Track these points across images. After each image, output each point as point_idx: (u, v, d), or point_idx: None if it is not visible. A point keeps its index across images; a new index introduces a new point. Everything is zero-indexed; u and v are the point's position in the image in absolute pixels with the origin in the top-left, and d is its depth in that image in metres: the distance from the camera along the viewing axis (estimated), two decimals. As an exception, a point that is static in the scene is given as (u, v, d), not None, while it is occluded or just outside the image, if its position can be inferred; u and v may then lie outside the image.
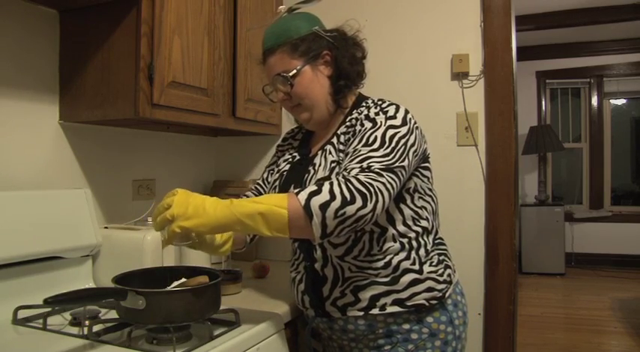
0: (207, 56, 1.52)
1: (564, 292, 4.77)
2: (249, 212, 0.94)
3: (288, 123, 2.03)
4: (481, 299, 1.78)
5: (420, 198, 1.17)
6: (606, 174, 5.92)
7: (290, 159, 1.29)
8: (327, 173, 1.13)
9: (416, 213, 1.15)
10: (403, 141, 1.06)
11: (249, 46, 1.75)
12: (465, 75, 1.82)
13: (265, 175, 1.39)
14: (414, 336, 1.12)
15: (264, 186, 1.38)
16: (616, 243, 5.70)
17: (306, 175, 1.17)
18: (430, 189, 1.21)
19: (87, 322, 1.03)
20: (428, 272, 1.13)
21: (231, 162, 2.16)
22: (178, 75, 1.39)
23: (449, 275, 1.17)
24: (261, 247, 2.02)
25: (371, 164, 1.00)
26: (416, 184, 1.16)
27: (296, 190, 0.96)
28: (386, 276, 1.11)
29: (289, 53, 1.16)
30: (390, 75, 1.90)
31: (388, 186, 0.99)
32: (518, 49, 1.91)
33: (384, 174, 0.99)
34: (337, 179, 0.97)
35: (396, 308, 1.10)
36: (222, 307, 1.08)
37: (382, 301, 1.11)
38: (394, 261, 1.11)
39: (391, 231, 1.12)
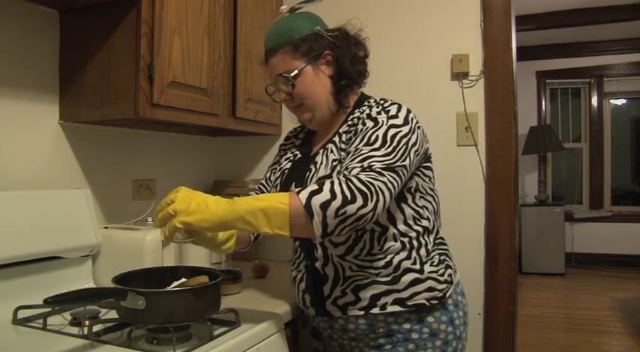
0: (207, 56, 1.52)
1: (564, 292, 4.77)
2: (250, 209, 0.94)
3: (288, 123, 2.04)
4: (481, 299, 1.78)
5: (421, 197, 1.17)
6: (606, 174, 5.92)
7: (292, 158, 1.30)
8: (328, 171, 1.13)
9: (417, 212, 1.15)
10: (405, 140, 1.06)
11: (249, 46, 1.75)
12: (465, 75, 1.82)
13: (268, 174, 1.40)
14: (415, 336, 1.12)
15: (266, 185, 1.38)
16: (616, 243, 5.70)
17: (308, 173, 1.18)
18: (432, 189, 1.21)
19: (87, 322, 1.03)
20: (429, 272, 1.13)
21: (231, 162, 2.16)
22: (178, 75, 1.39)
23: (450, 275, 1.17)
24: (261, 247, 2.02)
25: (372, 163, 1.00)
26: (417, 183, 1.16)
27: (297, 189, 0.97)
28: (387, 276, 1.11)
29: (291, 53, 1.17)
30: (390, 75, 1.90)
31: (389, 185, 0.99)
32: (518, 49, 1.91)
33: (385, 173, 0.99)
34: (338, 178, 0.97)
35: (396, 308, 1.10)
36: (222, 307, 1.08)
37: (383, 300, 1.11)
38: (395, 261, 1.11)
39: (392, 230, 1.12)
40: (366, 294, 1.11)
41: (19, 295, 1.18)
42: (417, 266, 1.12)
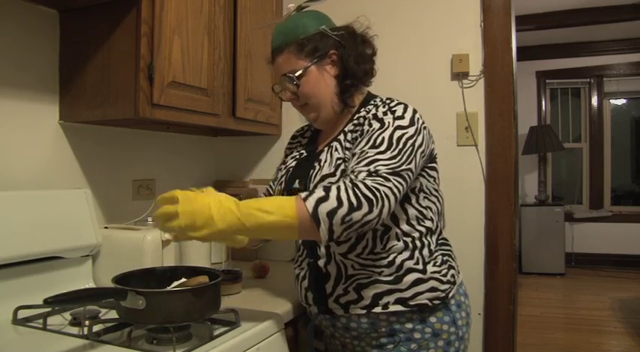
0: (207, 56, 1.52)
1: (564, 292, 4.77)
2: (258, 223, 0.93)
3: (288, 123, 2.04)
4: (481, 299, 1.78)
5: (425, 198, 1.17)
6: (606, 174, 5.92)
7: (297, 156, 1.31)
8: (332, 170, 1.13)
9: (420, 212, 1.15)
10: (410, 142, 1.07)
11: (249, 46, 1.75)
12: (465, 75, 1.82)
13: (276, 175, 1.40)
14: (417, 336, 1.12)
15: (273, 185, 1.39)
16: (616, 243, 5.69)
17: (312, 171, 1.18)
18: (436, 190, 1.21)
19: (87, 322, 1.03)
20: (431, 272, 1.13)
21: (231, 162, 2.16)
22: (178, 75, 1.39)
23: (453, 275, 1.17)
24: (262, 247, 2.01)
25: (378, 167, 1.01)
26: (421, 184, 1.16)
27: (304, 194, 0.96)
28: (389, 275, 1.11)
29: (296, 53, 1.17)
30: (391, 75, 1.90)
31: (394, 190, 0.99)
32: (518, 49, 1.91)
33: (390, 178, 1.00)
34: (344, 183, 0.97)
35: (398, 308, 1.11)
36: (222, 307, 1.08)
37: (385, 300, 1.11)
38: (397, 260, 1.12)
39: (395, 229, 1.12)
40: (369, 293, 1.11)
41: (19, 295, 1.18)
42: (420, 266, 1.12)
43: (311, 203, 0.94)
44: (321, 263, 1.16)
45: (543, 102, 6.03)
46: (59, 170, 1.43)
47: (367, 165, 1.02)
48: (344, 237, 0.97)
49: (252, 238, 1.15)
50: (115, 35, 1.31)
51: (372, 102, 1.19)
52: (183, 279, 1.11)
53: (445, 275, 1.14)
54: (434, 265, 1.14)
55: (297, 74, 1.17)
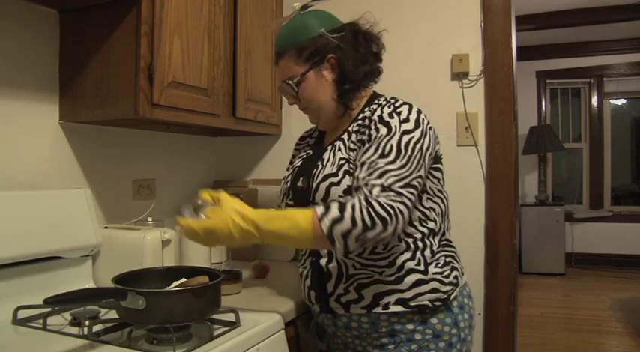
0: (207, 56, 1.52)
1: (564, 292, 4.77)
2: (275, 238, 1.00)
3: (288, 123, 2.04)
4: (481, 299, 1.78)
5: (428, 199, 1.16)
6: (606, 174, 5.92)
7: (304, 156, 1.32)
8: (334, 169, 1.14)
9: (423, 214, 1.15)
10: (419, 146, 1.07)
11: (249, 46, 1.75)
12: (465, 75, 1.82)
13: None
14: (418, 336, 1.12)
15: (282, 184, 1.39)
16: (616, 243, 5.69)
17: (315, 170, 1.18)
18: (440, 191, 1.19)
19: (87, 322, 1.03)
20: (433, 273, 1.12)
21: (231, 162, 2.16)
22: (178, 75, 1.39)
23: (455, 277, 1.16)
24: (262, 247, 2.02)
25: (390, 180, 1.01)
26: (425, 185, 1.15)
27: (319, 211, 0.98)
28: (390, 275, 1.11)
29: (294, 58, 1.18)
30: (390, 75, 1.87)
31: (408, 202, 1.01)
32: (518, 49, 1.91)
33: (403, 191, 1.01)
34: (360, 202, 0.98)
35: (399, 308, 1.10)
36: (222, 307, 1.08)
37: (386, 300, 1.11)
38: (399, 261, 1.11)
39: None
40: (369, 293, 1.12)
41: (19, 295, 1.18)
42: (422, 267, 1.12)
43: (326, 224, 0.97)
44: (322, 262, 1.16)
45: (543, 102, 6.03)
46: (59, 170, 1.43)
47: (379, 177, 1.02)
48: (358, 250, 1.04)
49: None
50: (115, 35, 1.31)
51: (377, 101, 1.19)
52: (183, 279, 1.11)
53: (447, 277, 1.14)
54: (436, 266, 1.13)
55: (295, 81, 1.18)
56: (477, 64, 1.81)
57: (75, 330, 1.04)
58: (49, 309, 1.10)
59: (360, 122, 1.17)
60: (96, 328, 1.00)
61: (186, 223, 1.01)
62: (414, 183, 1.04)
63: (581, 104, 6.07)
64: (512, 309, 1.75)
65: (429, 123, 1.13)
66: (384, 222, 0.97)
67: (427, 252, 1.14)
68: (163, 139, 1.84)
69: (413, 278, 1.11)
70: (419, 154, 1.06)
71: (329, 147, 1.21)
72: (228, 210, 1.00)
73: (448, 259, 1.17)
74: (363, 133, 1.14)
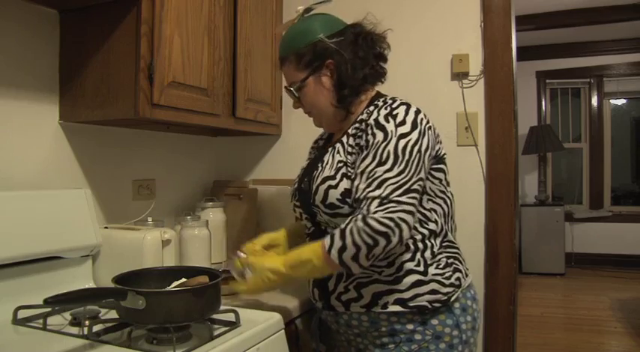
0: (207, 56, 1.52)
1: (564, 292, 4.77)
2: (307, 277, 1.15)
3: (288, 123, 2.04)
4: (481, 299, 1.78)
5: (429, 200, 1.15)
6: (606, 174, 5.92)
7: (311, 158, 1.34)
8: (332, 172, 1.14)
9: (424, 215, 1.14)
10: (416, 148, 1.07)
11: (249, 46, 1.75)
12: (465, 75, 1.82)
13: None
14: (418, 337, 1.11)
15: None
16: (616, 243, 5.69)
17: (315, 172, 1.19)
18: (443, 192, 1.18)
19: (87, 322, 1.03)
20: (433, 275, 1.12)
21: (231, 162, 2.16)
22: (178, 75, 1.39)
23: (458, 278, 1.15)
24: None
25: (388, 189, 1.02)
26: (425, 186, 1.14)
27: (327, 244, 1.04)
28: (389, 275, 1.11)
29: (295, 65, 1.21)
30: (390, 75, 1.87)
31: (409, 207, 1.02)
32: (518, 49, 1.91)
33: (402, 199, 1.01)
34: (357, 225, 1.00)
35: (397, 308, 1.10)
36: (222, 307, 1.08)
37: (384, 299, 1.11)
38: (397, 261, 1.11)
39: None
40: (368, 292, 1.12)
41: (19, 295, 1.18)
42: (421, 268, 1.12)
43: (335, 256, 1.02)
44: None
45: (543, 102, 6.03)
46: (59, 170, 1.43)
47: (378, 187, 1.03)
48: (372, 267, 1.10)
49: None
50: (115, 35, 1.31)
51: (375, 103, 1.18)
52: (183, 279, 1.11)
53: (448, 278, 1.13)
54: (436, 268, 1.13)
55: (295, 87, 1.21)
56: (477, 64, 1.81)
57: (75, 330, 1.04)
58: (49, 309, 1.10)
59: (356, 125, 1.17)
60: (96, 328, 0.99)
61: (242, 290, 1.16)
62: (415, 186, 1.04)
63: (581, 104, 6.07)
64: (512, 309, 1.75)
65: (428, 122, 1.12)
66: (385, 236, 0.99)
67: (427, 253, 1.13)
68: (163, 139, 1.84)
69: (412, 278, 1.11)
70: (417, 157, 1.06)
71: (330, 149, 1.22)
72: (261, 272, 1.12)
73: (450, 260, 1.16)
74: (360, 137, 1.14)
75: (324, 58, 1.18)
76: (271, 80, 1.90)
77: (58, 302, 0.86)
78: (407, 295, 1.11)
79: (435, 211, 1.16)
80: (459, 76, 1.82)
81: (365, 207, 1.02)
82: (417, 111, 1.12)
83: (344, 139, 1.19)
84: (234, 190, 2.00)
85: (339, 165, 1.15)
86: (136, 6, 1.27)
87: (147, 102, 1.29)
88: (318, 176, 1.17)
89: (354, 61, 1.17)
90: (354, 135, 1.17)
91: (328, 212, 1.14)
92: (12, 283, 1.18)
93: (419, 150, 1.07)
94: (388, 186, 1.02)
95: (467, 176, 1.81)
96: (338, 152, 1.18)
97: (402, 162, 1.04)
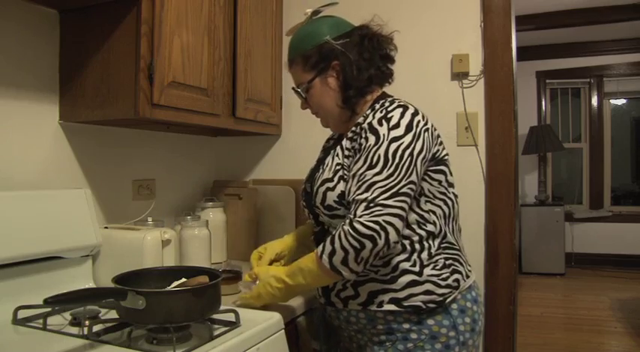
0: (207, 56, 1.52)
1: (564, 292, 4.77)
2: (305, 286, 1.14)
3: (288, 123, 2.04)
4: (481, 299, 1.77)
5: (427, 202, 1.15)
6: (606, 174, 5.92)
7: (318, 159, 1.35)
8: (330, 175, 1.17)
9: (421, 216, 1.14)
10: (408, 151, 1.07)
11: (249, 46, 1.75)
12: (465, 75, 1.82)
13: None
14: (414, 336, 1.12)
15: None
16: (616, 243, 5.69)
17: (317, 174, 1.22)
18: (443, 193, 1.18)
19: (87, 322, 1.03)
20: (428, 275, 1.12)
21: (231, 162, 2.16)
22: (178, 75, 1.39)
23: (456, 280, 1.15)
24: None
25: (375, 192, 1.04)
26: (423, 188, 1.14)
27: (319, 251, 1.08)
28: (385, 275, 1.12)
29: (302, 66, 1.23)
30: (390, 75, 1.89)
31: (396, 211, 1.03)
32: (518, 49, 1.91)
33: (389, 202, 1.03)
34: (344, 230, 1.04)
35: (392, 307, 1.12)
36: (222, 307, 1.08)
37: (380, 298, 1.13)
38: (393, 261, 1.12)
39: None
40: (364, 290, 1.14)
41: (19, 295, 1.18)
42: (416, 269, 1.12)
43: (326, 260, 1.06)
44: None
45: (543, 102, 6.03)
46: (59, 170, 1.43)
47: (365, 190, 1.05)
48: (367, 267, 1.09)
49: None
50: (115, 35, 1.31)
51: (374, 105, 1.19)
52: (183, 279, 1.11)
53: (445, 280, 1.13)
54: (433, 269, 1.13)
55: (303, 88, 1.24)
56: (477, 64, 1.81)
57: (75, 330, 1.04)
58: (49, 309, 1.10)
59: (354, 128, 1.19)
60: (96, 328, 0.99)
61: (247, 298, 1.21)
62: (404, 190, 1.05)
63: (581, 104, 6.07)
64: (512, 309, 1.75)
65: (425, 124, 1.12)
66: (371, 239, 1.01)
67: (424, 254, 1.13)
68: (163, 139, 1.84)
69: (407, 278, 1.12)
70: (408, 160, 1.07)
71: (331, 152, 1.23)
72: (265, 278, 1.18)
73: (449, 262, 1.16)
74: (355, 140, 1.16)
75: (330, 59, 1.20)
76: (271, 80, 1.90)
77: (58, 302, 0.86)
78: (401, 295, 1.12)
79: (434, 213, 1.16)
80: (459, 76, 1.82)
81: (352, 211, 1.05)
82: (414, 114, 1.12)
83: (343, 142, 1.21)
84: (234, 190, 2.00)
85: (337, 167, 1.17)
86: (136, 6, 1.27)
87: (147, 102, 1.29)
88: (318, 178, 1.20)
89: (359, 62, 1.18)
90: (351, 139, 1.18)
91: (327, 213, 1.17)
92: (12, 283, 1.18)
93: (410, 154, 1.07)
94: (376, 189, 1.04)
95: (467, 176, 1.81)
96: (337, 155, 1.19)
97: (391, 165, 1.06)
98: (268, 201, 1.95)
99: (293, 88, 1.28)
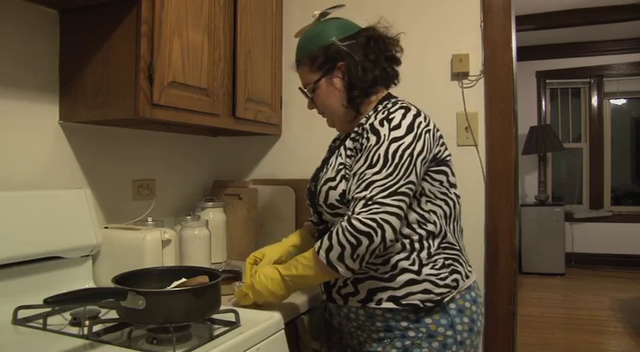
0: (207, 56, 1.52)
1: (564, 292, 4.77)
2: (300, 278, 1.14)
3: (288, 123, 2.04)
4: (481, 299, 1.77)
5: (428, 202, 1.16)
6: (606, 174, 5.92)
7: (324, 159, 1.36)
8: (333, 174, 1.18)
9: (422, 216, 1.15)
10: (408, 152, 1.08)
11: (249, 46, 1.75)
12: (465, 75, 1.82)
13: None
14: (411, 334, 1.14)
15: None
16: (616, 243, 5.69)
17: (321, 173, 1.25)
18: (444, 193, 1.19)
19: (87, 322, 1.03)
20: (426, 275, 1.13)
21: (231, 162, 2.16)
22: (178, 75, 1.39)
23: (455, 280, 1.16)
24: (261, 246, 2.01)
25: (374, 191, 1.05)
26: (424, 188, 1.15)
27: (317, 246, 1.09)
28: (384, 273, 1.14)
29: (309, 67, 1.25)
30: (390, 75, 1.89)
31: (393, 209, 1.04)
32: (518, 49, 1.91)
33: (387, 201, 1.04)
34: (342, 226, 1.05)
35: (390, 305, 1.13)
36: (222, 307, 1.08)
37: (379, 296, 1.14)
38: (393, 260, 1.13)
39: None
40: (364, 288, 1.15)
41: (19, 295, 1.18)
42: (415, 268, 1.13)
43: (323, 255, 1.08)
44: None
45: (543, 102, 6.03)
46: (59, 170, 1.43)
47: (364, 189, 1.06)
48: (364, 265, 1.09)
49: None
50: (115, 35, 1.31)
51: (377, 107, 1.21)
52: (183, 279, 1.11)
53: (443, 279, 1.14)
54: (432, 268, 1.14)
55: (309, 88, 1.26)
56: (477, 64, 1.81)
57: (75, 330, 1.04)
58: (49, 309, 1.10)
59: (356, 129, 1.21)
60: (96, 328, 0.99)
61: (239, 290, 1.23)
62: (403, 189, 1.06)
63: (581, 104, 6.07)
64: (512, 309, 1.75)
65: (427, 126, 1.14)
66: (367, 235, 1.02)
67: (423, 254, 1.14)
68: (163, 139, 1.84)
69: (405, 277, 1.13)
70: (408, 160, 1.08)
71: (336, 151, 1.25)
72: (260, 270, 1.22)
73: (448, 262, 1.17)
74: (357, 140, 1.17)
75: (336, 60, 1.22)
76: (271, 80, 1.90)
77: (58, 302, 0.86)
78: (400, 293, 1.13)
79: (435, 213, 1.17)
80: (459, 76, 1.82)
81: (351, 208, 1.07)
82: (416, 115, 1.14)
83: (346, 142, 1.22)
84: (234, 190, 2.00)
85: (340, 167, 1.18)
86: (136, 6, 1.27)
87: (147, 102, 1.29)
88: (322, 177, 1.22)
89: (364, 63, 1.20)
90: (353, 139, 1.20)
91: (329, 212, 1.19)
92: (12, 283, 1.18)
93: (410, 154, 1.08)
94: (375, 188, 1.05)
95: (467, 176, 1.81)
96: (340, 154, 1.21)
97: (390, 165, 1.07)
98: (268, 201, 1.95)
99: (300, 88, 1.30)
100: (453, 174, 1.22)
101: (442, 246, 1.18)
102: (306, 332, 1.32)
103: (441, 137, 1.20)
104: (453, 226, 1.22)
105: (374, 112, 1.18)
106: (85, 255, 1.36)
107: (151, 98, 1.30)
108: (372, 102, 1.24)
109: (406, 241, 1.14)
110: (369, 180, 1.07)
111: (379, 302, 1.14)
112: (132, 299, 0.94)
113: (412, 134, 1.10)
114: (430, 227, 1.16)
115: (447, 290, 1.14)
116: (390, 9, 1.91)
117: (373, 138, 1.11)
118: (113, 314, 1.05)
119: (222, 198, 1.97)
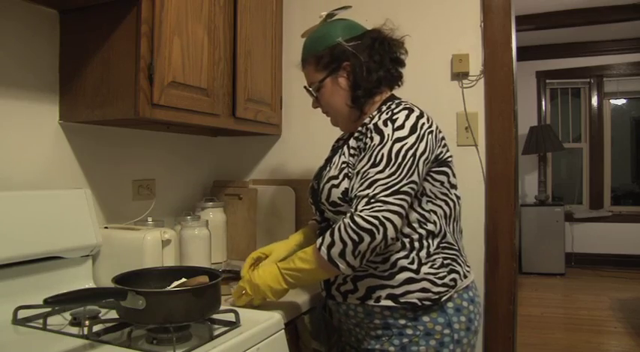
0: (207, 56, 1.52)
1: (564, 292, 4.77)
2: (301, 272, 1.14)
3: (288, 123, 2.04)
4: (481, 299, 1.77)
5: (428, 201, 1.18)
6: (606, 174, 5.92)
7: (327, 158, 1.37)
8: (336, 172, 1.20)
9: (422, 216, 1.17)
10: (411, 152, 1.10)
11: (249, 46, 1.75)
12: (465, 75, 1.82)
13: None
14: (409, 332, 1.15)
15: None
16: (616, 243, 5.69)
17: (324, 171, 1.26)
18: (445, 194, 1.21)
19: (87, 322, 1.03)
20: (425, 273, 1.14)
21: (231, 162, 2.16)
22: (178, 75, 1.39)
23: (453, 280, 1.17)
24: (262, 246, 2.01)
25: (377, 189, 1.06)
26: (425, 188, 1.17)
27: (318, 243, 1.09)
28: (383, 271, 1.15)
29: (314, 66, 1.27)
30: (390, 75, 1.89)
31: (395, 208, 1.05)
32: (518, 49, 1.91)
33: (389, 199, 1.05)
34: (344, 223, 1.06)
35: (389, 303, 1.14)
36: (222, 307, 1.08)
37: (377, 293, 1.15)
38: (392, 258, 1.14)
39: None
40: (363, 285, 1.17)
41: (19, 295, 1.18)
42: (414, 267, 1.14)
43: (324, 252, 1.08)
44: None
45: (543, 102, 6.03)
46: (59, 170, 1.43)
47: (368, 187, 1.07)
48: (365, 263, 1.10)
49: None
50: (115, 35, 1.31)
51: (381, 107, 1.22)
52: (183, 279, 1.11)
53: (442, 279, 1.15)
54: (430, 267, 1.15)
55: (314, 87, 1.27)
56: (477, 64, 1.81)
57: (75, 330, 1.04)
58: (49, 309, 1.10)
59: (360, 129, 1.22)
60: (96, 328, 0.99)
61: (237, 286, 1.23)
62: (405, 189, 1.07)
63: (581, 104, 6.07)
64: (512, 309, 1.75)
65: (430, 127, 1.15)
66: (369, 233, 1.03)
67: (423, 253, 1.15)
68: (163, 139, 1.84)
69: (404, 275, 1.14)
70: (411, 160, 1.09)
71: (339, 151, 1.27)
72: (262, 265, 1.25)
73: (447, 261, 1.18)
74: (361, 140, 1.19)
75: (342, 60, 1.23)
76: (271, 80, 1.90)
77: (58, 302, 0.86)
78: (398, 291, 1.14)
79: (435, 213, 1.18)
80: (459, 76, 1.82)
81: (354, 206, 1.07)
82: (419, 116, 1.15)
83: (350, 141, 1.24)
84: (234, 190, 2.00)
85: (343, 165, 1.20)
86: (136, 6, 1.27)
87: (147, 102, 1.29)
88: (325, 175, 1.23)
89: (369, 63, 1.22)
90: (357, 138, 1.21)
91: (332, 209, 1.20)
92: (12, 283, 1.18)
93: (413, 154, 1.09)
94: (377, 186, 1.06)
95: (467, 176, 1.81)
96: (343, 153, 1.23)
97: (393, 164, 1.08)
98: (268, 201, 1.95)
99: (305, 87, 1.31)
100: (454, 175, 1.23)
101: (441, 245, 1.19)
102: (306, 331, 1.32)
103: (443, 138, 1.21)
104: (453, 226, 1.23)
105: (378, 113, 1.20)
106: (85, 255, 1.36)
107: (151, 98, 1.30)
108: (376, 102, 1.25)
109: (406, 240, 1.15)
110: (372, 178, 1.07)
111: (378, 299, 1.15)
112: (132, 299, 0.94)
113: (415, 135, 1.11)
114: (430, 226, 1.17)
115: (445, 289, 1.15)
116: (390, 9, 1.92)
117: (377, 138, 1.12)
118: (113, 314, 1.05)
119: (222, 198, 1.98)
